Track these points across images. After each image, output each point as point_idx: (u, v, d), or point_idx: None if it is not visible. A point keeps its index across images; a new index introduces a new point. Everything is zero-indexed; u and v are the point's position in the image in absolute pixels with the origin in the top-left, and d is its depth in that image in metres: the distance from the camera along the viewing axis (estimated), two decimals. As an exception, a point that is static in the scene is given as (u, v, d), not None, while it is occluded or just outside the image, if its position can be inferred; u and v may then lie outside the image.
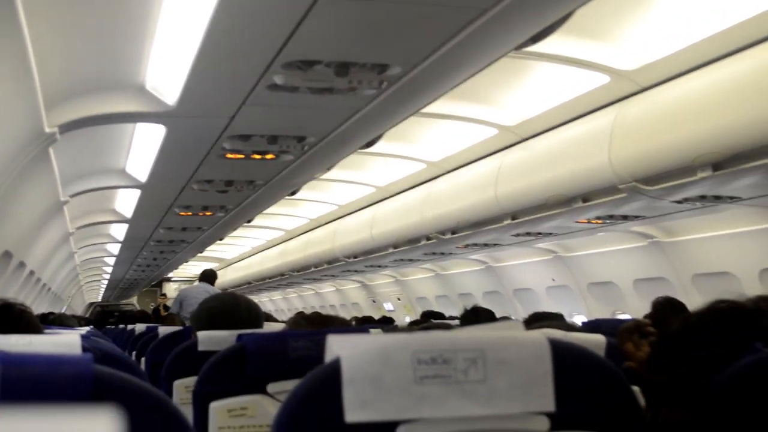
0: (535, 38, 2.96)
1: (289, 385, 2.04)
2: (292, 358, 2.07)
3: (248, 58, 3.27)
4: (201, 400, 2.07)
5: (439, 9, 2.75)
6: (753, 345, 1.19)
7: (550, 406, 1.11)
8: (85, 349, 2.03)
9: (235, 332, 2.77)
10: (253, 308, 3.06)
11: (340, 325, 2.36)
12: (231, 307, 3.01)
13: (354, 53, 3.20)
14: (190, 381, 2.74)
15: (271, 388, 2.06)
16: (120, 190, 7.06)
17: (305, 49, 3.10)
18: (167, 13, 3.11)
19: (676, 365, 1.34)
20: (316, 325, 2.35)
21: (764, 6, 3.90)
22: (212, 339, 2.78)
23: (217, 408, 2.04)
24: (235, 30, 2.96)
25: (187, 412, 2.63)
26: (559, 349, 1.18)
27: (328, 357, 1.17)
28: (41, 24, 2.90)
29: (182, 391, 2.75)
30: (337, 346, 1.17)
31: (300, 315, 2.50)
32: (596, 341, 2.41)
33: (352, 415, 1.06)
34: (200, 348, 2.78)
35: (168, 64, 3.68)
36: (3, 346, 1.80)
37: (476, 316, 4.47)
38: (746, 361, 1.14)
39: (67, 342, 2.02)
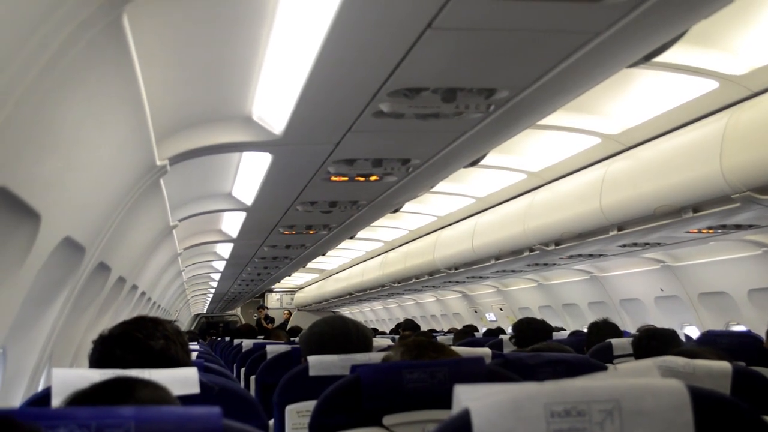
0: (649, 56, 2.88)
1: (406, 418, 2.05)
2: (408, 390, 2.06)
3: (355, 88, 3.29)
4: (318, 433, 2.09)
5: (550, 34, 2.72)
6: None
7: (693, 460, 1.06)
8: (203, 384, 2.08)
9: (346, 357, 2.79)
10: (362, 332, 3.02)
11: (442, 352, 2.32)
12: (341, 331, 2.98)
13: (461, 79, 3.19)
14: (302, 406, 2.78)
15: (387, 420, 2.07)
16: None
17: (412, 77, 3.10)
18: (275, 46, 3.15)
19: None
20: (419, 353, 2.31)
21: None
22: (323, 364, 2.80)
23: (335, 441, 2.05)
24: (344, 60, 2.98)
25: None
26: (698, 398, 1.13)
27: (456, 407, 1.15)
28: (152, 63, 2.97)
29: (294, 416, 2.79)
30: (465, 396, 1.14)
31: (402, 343, 2.46)
32: (722, 370, 2.31)
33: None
34: (311, 373, 2.79)
35: (275, 95, 3.73)
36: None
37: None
38: None
39: (185, 377, 2.07)
